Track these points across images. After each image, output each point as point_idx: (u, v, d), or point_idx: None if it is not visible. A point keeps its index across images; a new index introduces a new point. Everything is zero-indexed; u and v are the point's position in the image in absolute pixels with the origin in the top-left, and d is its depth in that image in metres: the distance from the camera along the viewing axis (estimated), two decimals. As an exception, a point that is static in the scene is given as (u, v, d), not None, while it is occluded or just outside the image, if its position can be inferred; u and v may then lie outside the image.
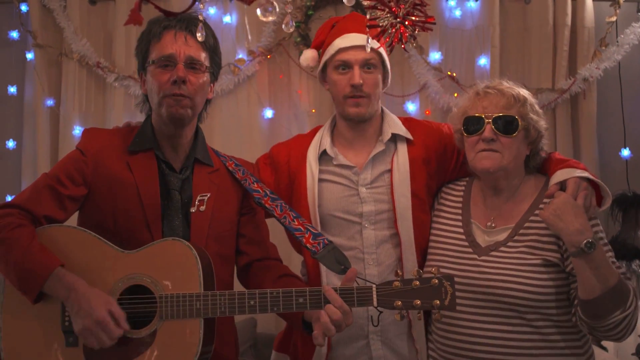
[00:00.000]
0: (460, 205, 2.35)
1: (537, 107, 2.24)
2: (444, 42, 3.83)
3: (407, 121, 2.50)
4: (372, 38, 1.70)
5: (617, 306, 1.96)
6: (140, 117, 2.31)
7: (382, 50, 2.36)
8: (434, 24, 1.60)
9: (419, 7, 1.53)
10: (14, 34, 4.08)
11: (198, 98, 2.13)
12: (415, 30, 1.55)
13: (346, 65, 2.36)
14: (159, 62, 2.10)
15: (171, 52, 2.08)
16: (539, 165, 2.31)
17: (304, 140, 2.53)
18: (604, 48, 3.70)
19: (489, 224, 2.25)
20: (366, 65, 2.34)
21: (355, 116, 2.37)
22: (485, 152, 2.17)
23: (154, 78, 2.10)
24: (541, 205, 2.18)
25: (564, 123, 3.73)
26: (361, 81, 2.32)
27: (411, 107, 3.78)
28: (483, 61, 3.72)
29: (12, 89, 4.11)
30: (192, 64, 2.10)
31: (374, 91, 2.36)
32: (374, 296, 1.98)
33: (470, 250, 2.22)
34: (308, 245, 2.15)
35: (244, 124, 3.89)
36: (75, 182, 2.10)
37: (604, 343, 3.15)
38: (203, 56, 2.13)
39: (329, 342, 2.32)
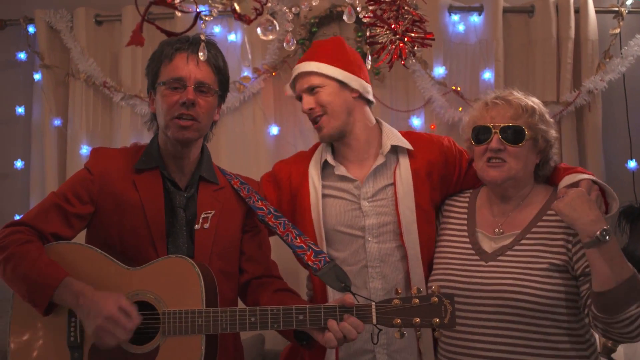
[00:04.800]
0: (465, 216, 2.36)
1: (547, 116, 2.27)
2: (448, 57, 3.83)
3: (408, 134, 2.52)
4: (373, 54, 1.73)
5: (633, 300, 1.95)
6: (147, 136, 2.34)
7: (323, 66, 2.42)
8: (433, 39, 1.62)
9: (418, 24, 1.54)
10: (22, 55, 4.11)
11: (205, 120, 2.17)
12: (414, 46, 1.56)
13: (299, 98, 2.49)
14: (169, 84, 2.13)
15: (181, 75, 2.12)
16: (548, 175, 2.32)
17: (305, 156, 2.57)
18: (608, 60, 3.69)
19: (496, 230, 2.25)
20: (309, 90, 2.43)
21: (324, 140, 2.48)
22: (493, 162, 2.19)
23: (163, 99, 2.14)
24: (549, 212, 2.18)
25: (569, 135, 3.71)
26: (311, 106, 2.42)
27: (416, 122, 3.77)
28: (487, 75, 3.71)
29: (20, 110, 4.13)
30: (201, 87, 2.14)
31: (328, 104, 2.41)
32: (374, 314, 1.98)
33: (477, 257, 2.23)
34: (309, 262, 2.16)
35: (250, 141, 3.90)
36: (82, 200, 2.14)
37: (614, 356, 3.12)
38: (212, 79, 2.17)
39: (337, 357, 2.33)
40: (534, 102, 2.27)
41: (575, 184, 2.14)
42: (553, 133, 2.26)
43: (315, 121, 2.45)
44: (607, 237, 1.94)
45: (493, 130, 2.19)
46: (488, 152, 2.20)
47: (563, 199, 2.05)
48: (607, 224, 1.98)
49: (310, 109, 2.42)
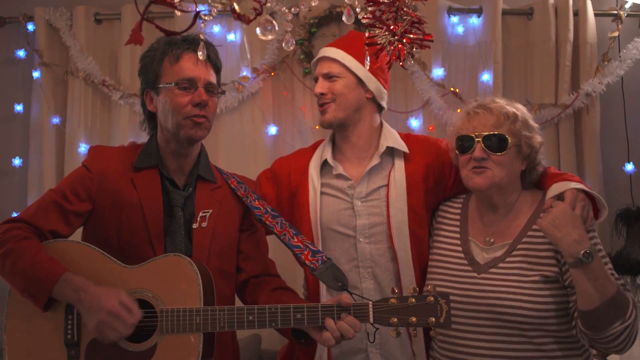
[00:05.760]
0: (457, 223, 2.36)
1: (531, 122, 2.25)
2: (447, 59, 3.84)
3: (406, 137, 2.52)
4: (371, 55, 1.72)
5: (617, 317, 1.96)
6: (145, 135, 2.34)
7: (348, 59, 2.44)
8: (432, 41, 1.61)
9: (417, 25, 1.54)
10: (21, 53, 4.11)
11: (212, 120, 2.20)
12: (413, 47, 1.56)
13: (316, 79, 2.50)
14: (181, 84, 2.13)
15: (192, 76, 2.13)
16: (536, 181, 2.31)
17: (305, 154, 2.58)
18: (606, 63, 3.70)
19: (487, 239, 2.25)
20: (328, 76, 2.45)
21: (323, 125, 2.48)
22: (477, 170, 2.19)
23: (173, 99, 2.14)
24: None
25: (567, 138, 3.72)
26: (323, 91, 2.44)
27: (414, 123, 3.78)
28: (486, 77, 3.72)
29: (19, 107, 4.13)
30: (209, 88, 2.16)
31: (340, 95, 2.43)
32: (371, 313, 1.99)
33: (469, 268, 2.23)
34: (307, 262, 2.18)
35: (249, 141, 3.90)
36: (80, 198, 2.14)
37: (610, 358, 3.13)
38: (216, 80, 2.21)
39: (329, 356, 2.34)
40: (517, 108, 2.25)
41: (561, 195, 2.12)
42: (538, 138, 2.24)
43: (321, 105, 2.47)
44: (589, 259, 1.94)
45: (476, 140, 2.19)
46: (472, 160, 2.21)
47: (547, 216, 2.04)
48: (590, 246, 1.97)
49: (322, 93, 2.44)
